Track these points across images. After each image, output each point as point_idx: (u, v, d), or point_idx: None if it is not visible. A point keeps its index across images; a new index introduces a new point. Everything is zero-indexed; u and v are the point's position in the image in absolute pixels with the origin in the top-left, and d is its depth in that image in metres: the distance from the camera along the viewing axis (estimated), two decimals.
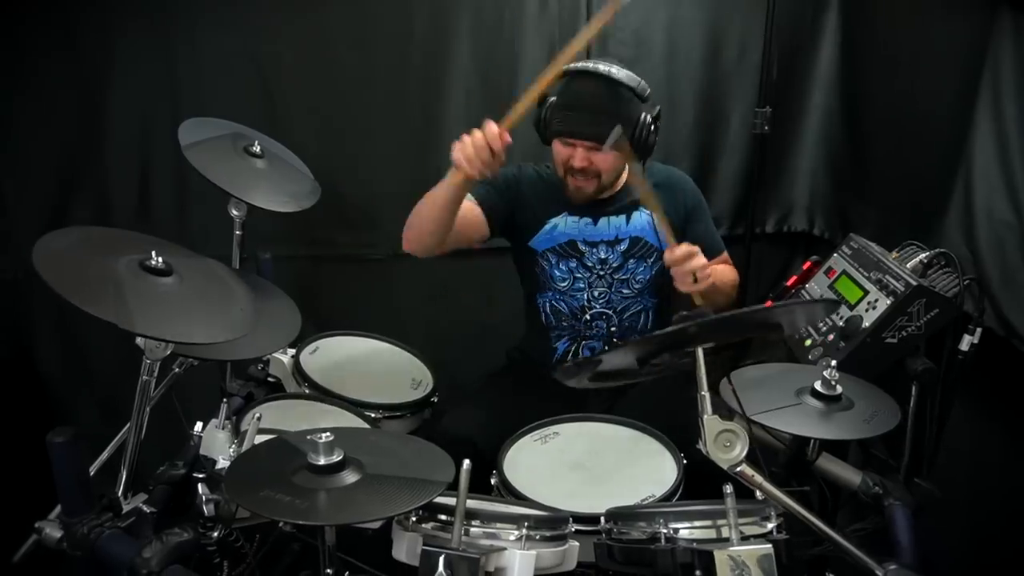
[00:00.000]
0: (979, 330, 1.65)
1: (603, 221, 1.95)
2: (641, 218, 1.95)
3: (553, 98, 1.80)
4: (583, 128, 1.77)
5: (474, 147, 1.60)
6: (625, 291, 1.97)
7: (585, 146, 1.79)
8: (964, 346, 1.67)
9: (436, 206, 1.76)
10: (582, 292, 1.97)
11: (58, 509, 1.28)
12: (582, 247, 1.95)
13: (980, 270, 1.69)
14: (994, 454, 1.77)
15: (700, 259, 1.68)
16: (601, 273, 1.96)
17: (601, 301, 1.97)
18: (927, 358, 1.68)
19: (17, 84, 2.13)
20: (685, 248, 1.68)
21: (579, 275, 1.97)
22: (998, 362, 1.67)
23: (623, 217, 1.95)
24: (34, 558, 1.52)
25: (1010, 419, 1.74)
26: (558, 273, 1.98)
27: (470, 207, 1.89)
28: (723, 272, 1.98)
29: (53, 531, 1.27)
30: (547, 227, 1.96)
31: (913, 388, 1.67)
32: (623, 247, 1.95)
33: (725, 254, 2.06)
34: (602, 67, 1.74)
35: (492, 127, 1.59)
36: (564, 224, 1.95)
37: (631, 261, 1.96)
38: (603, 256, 1.95)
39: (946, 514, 1.74)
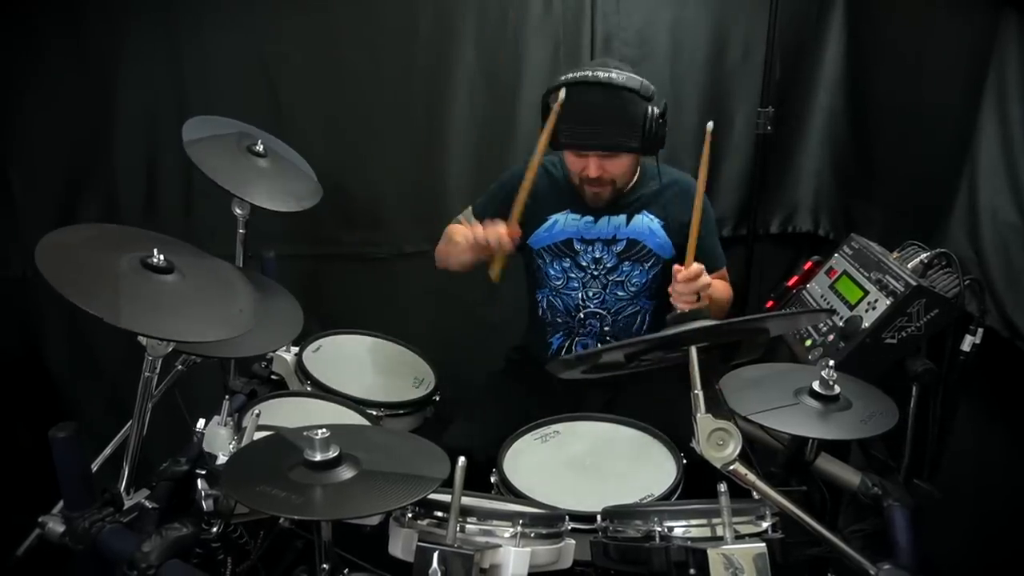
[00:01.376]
0: (980, 330, 1.64)
1: (603, 219, 1.94)
2: (642, 221, 1.93)
3: (557, 105, 1.73)
4: (592, 140, 1.77)
5: (480, 240, 1.73)
6: (620, 293, 1.96)
7: (598, 155, 1.79)
8: (965, 346, 1.66)
9: (455, 258, 1.96)
10: (576, 291, 1.98)
11: (61, 504, 1.29)
12: (577, 246, 1.95)
13: (984, 271, 1.68)
14: (997, 454, 1.76)
15: (706, 278, 1.66)
16: (595, 273, 1.95)
17: (595, 301, 1.97)
18: (930, 359, 1.67)
19: (24, 83, 2.15)
20: (697, 267, 1.65)
21: (573, 275, 1.97)
22: (1001, 363, 1.66)
23: (623, 217, 1.94)
24: (38, 552, 1.54)
25: (1013, 420, 1.73)
26: (552, 272, 1.99)
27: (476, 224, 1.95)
28: (718, 289, 1.92)
29: (55, 525, 1.28)
30: (547, 223, 1.96)
31: (914, 389, 1.66)
32: (619, 248, 1.94)
33: (724, 271, 2.02)
34: (601, 74, 1.71)
35: (501, 230, 1.72)
36: (564, 221, 1.95)
37: (626, 264, 1.94)
38: (597, 255, 1.95)
39: (949, 515, 1.73)
